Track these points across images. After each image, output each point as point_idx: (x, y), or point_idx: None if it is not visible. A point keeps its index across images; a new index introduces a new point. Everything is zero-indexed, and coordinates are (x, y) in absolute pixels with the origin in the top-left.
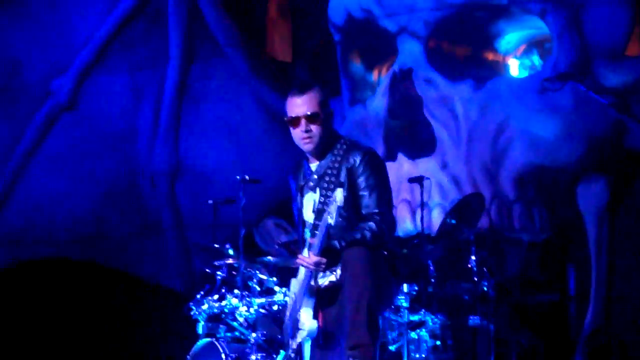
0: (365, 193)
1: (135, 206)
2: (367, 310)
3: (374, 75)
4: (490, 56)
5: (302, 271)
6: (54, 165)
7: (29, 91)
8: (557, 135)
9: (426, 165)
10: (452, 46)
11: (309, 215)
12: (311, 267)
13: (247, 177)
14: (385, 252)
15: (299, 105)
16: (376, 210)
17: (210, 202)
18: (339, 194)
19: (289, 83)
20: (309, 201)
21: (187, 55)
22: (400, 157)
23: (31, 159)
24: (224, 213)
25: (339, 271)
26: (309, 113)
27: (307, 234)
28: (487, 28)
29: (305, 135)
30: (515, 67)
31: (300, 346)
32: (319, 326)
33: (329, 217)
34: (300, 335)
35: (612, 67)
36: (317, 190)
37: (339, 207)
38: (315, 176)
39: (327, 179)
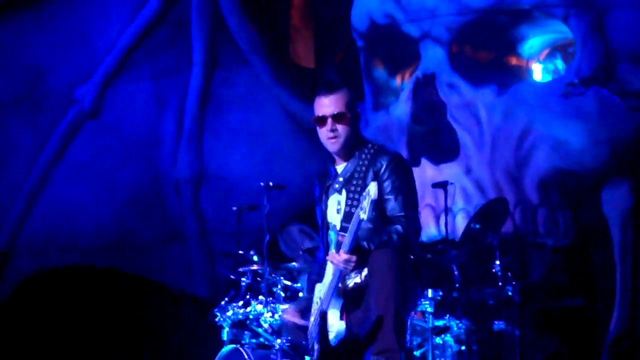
0: (391, 196)
1: (159, 213)
2: (395, 316)
3: (397, 81)
4: (513, 61)
5: (328, 274)
6: (78, 173)
7: (52, 99)
8: (581, 139)
9: (450, 171)
10: (475, 51)
11: (332, 217)
12: (341, 265)
13: (271, 184)
14: (412, 257)
15: (326, 105)
16: (402, 214)
17: (234, 208)
18: (373, 188)
19: (312, 90)
20: (334, 203)
21: (210, 62)
22: (424, 162)
23: (55, 167)
24: (248, 219)
25: (364, 272)
26: (335, 112)
27: (331, 236)
28: (510, 33)
29: (331, 134)
30: (538, 72)
31: None
32: (346, 327)
33: (361, 212)
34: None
35: (635, 71)
36: (343, 192)
37: (372, 201)
38: (341, 178)
39: (354, 182)
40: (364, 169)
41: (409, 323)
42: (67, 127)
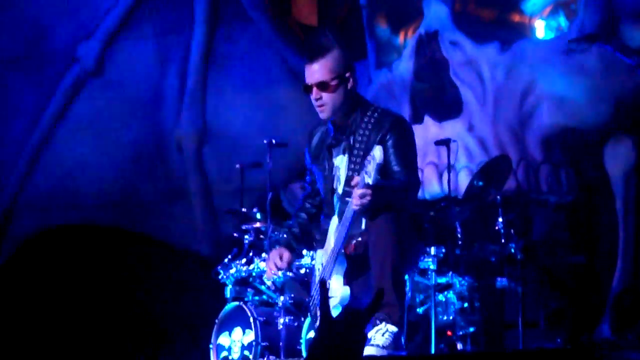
0: (395, 160)
1: (162, 171)
2: (392, 271)
3: (400, 39)
4: (516, 18)
5: (330, 240)
6: (81, 131)
7: (54, 57)
8: (584, 96)
9: (452, 128)
10: (478, 8)
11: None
12: (357, 205)
13: (273, 141)
14: (410, 214)
15: (311, 73)
16: (405, 179)
17: (237, 166)
18: (378, 152)
19: None
20: (341, 162)
21: (212, 20)
22: (427, 119)
23: (57, 125)
24: (251, 177)
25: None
26: (319, 81)
27: (334, 199)
28: None
29: (317, 103)
30: (541, 29)
31: None
32: (350, 292)
33: (366, 176)
34: (332, 302)
35: (638, 27)
36: (345, 156)
37: (378, 165)
38: (341, 140)
39: (357, 145)
40: (367, 132)
41: (408, 279)
42: (70, 85)
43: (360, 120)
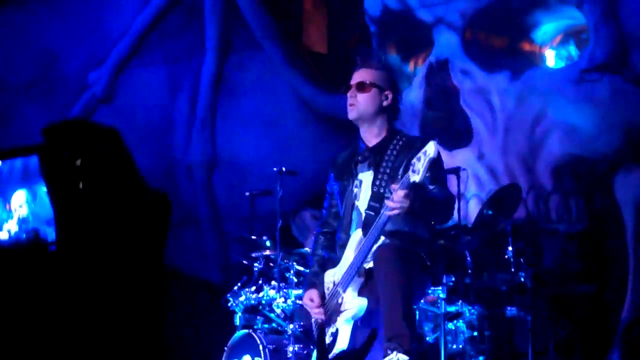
0: (422, 173)
1: (172, 198)
2: (403, 302)
3: (410, 67)
4: (526, 47)
5: (349, 254)
6: None
7: (65, 83)
8: (595, 125)
9: (463, 156)
10: (489, 37)
11: (359, 196)
12: (396, 204)
13: (283, 169)
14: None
15: (356, 76)
16: (434, 187)
17: (247, 194)
18: (432, 147)
19: (324, 74)
20: (365, 177)
21: (223, 47)
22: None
23: None
24: (261, 205)
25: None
26: (359, 81)
27: (353, 216)
28: (524, 18)
29: (349, 101)
30: (551, 58)
31: (337, 330)
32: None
33: (414, 175)
34: (346, 316)
35: None
36: (371, 172)
37: (431, 159)
38: (367, 153)
39: (384, 163)
40: (395, 152)
41: (417, 310)
42: (81, 112)
43: (389, 141)
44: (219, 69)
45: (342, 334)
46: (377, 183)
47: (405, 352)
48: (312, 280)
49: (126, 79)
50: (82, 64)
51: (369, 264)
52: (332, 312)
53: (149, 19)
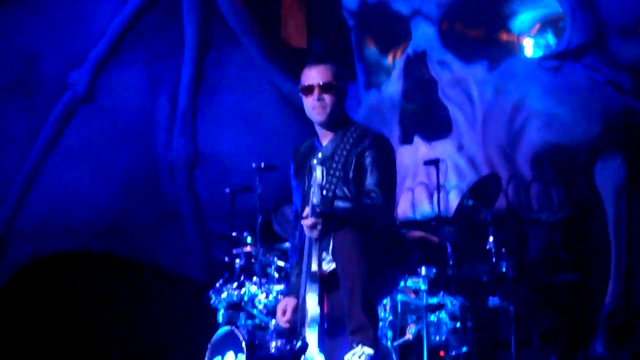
0: (368, 174)
1: (155, 197)
2: (362, 294)
3: (389, 59)
4: (504, 36)
5: (304, 259)
6: (73, 158)
7: (45, 84)
8: (573, 114)
9: (442, 148)
10: (466, 28)
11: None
12: (312, 233)
13: (262, 165)
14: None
15: (314, 75)
16: (374, 188)
17: (227, 190)
18: (318, 172)
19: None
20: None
21: (202, 45)
22: (417, 140)
23: (50, 152)
24: (243, 201)
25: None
26: (322, 82)
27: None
28: (501, 8)
29: (318, 104)
30: (529, 47)
31: (304, 339)
32: (322, 312)
33: (314, 197)
34: (308, 322)
35: (625, 44)
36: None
37: (319, 185)
38: (320, 154)
39: (336, 158)
40: (347, 147)
41: (393, 300)
42: (62, 112)
43: (342, 135)
44: (198, 66)
45: (310, 342)
46: (328, 179)
47: (369, 345)
48: (292, 285)
49: (106, 79)
50: (62, 65)
51: (330, 266)
52: (301, 322)
53: (127, 18)
